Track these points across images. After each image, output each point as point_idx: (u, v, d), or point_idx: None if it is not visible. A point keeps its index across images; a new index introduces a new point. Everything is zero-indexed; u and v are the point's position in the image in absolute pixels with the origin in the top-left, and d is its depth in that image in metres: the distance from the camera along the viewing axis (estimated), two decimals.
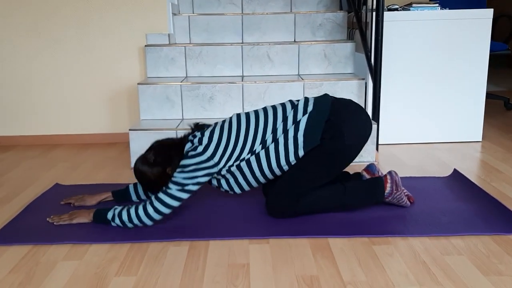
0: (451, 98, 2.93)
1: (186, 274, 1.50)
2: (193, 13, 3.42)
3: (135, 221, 1.77)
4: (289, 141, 1.76)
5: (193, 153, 1.77)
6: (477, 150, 2.79)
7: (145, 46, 2.95)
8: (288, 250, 1.64)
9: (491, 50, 3.50)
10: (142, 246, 1.68)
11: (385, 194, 1.86)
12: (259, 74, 3.02)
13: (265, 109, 1.85)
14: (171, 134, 2.55)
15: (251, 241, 1.71)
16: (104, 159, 2.76)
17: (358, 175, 2.06)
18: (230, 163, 1.78)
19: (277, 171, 1.82)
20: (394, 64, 2.88)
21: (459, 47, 2.87)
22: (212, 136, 1.79)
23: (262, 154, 1.78)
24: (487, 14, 2.84)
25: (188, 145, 1.83)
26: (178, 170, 1.76)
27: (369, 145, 2.59)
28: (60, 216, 1.87)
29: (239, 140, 1.78)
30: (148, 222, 1.77)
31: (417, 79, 2.90)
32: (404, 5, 3.01)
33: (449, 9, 2.90)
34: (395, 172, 1.89)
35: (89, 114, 3.15)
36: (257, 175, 1.82)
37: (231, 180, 1.84)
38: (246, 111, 1.91)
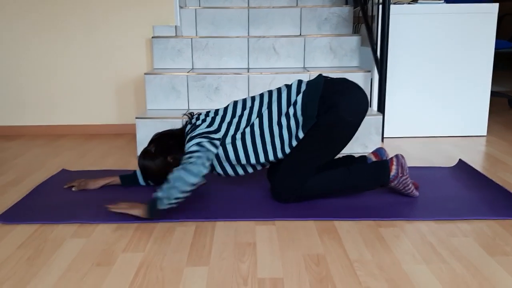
0: (456, 92, 2.94)
1: (193, 251, 1.50)
2: (199, 6, 3.44)
3: (179, 184, 1.66)
4: (291, 122, 1.79)
5: (194, 127, 1.85)
6: (482, 144, 2.79)
7: (152, 37, 2.97)
8: (294, 231, 1.64)
9: (496, 48, 3.51)
10: (149, 226, 1.69)
11: (391, 176, 1.84)
12: (265, 67, 3.03)
13: (260, 93, 1.93)
14: (177, 123, 2.57)
15: (258, 222, 1.72)
16: (110, 148, 2.78)
17: (363, 158, 2.06)
18: (231, 132, 1.82)
19: (280, 154, 1.83)
20: (400, 58, 2.89)
21: (464, 41, 2.88)
22: (209, 114, 1.90)
23: (265, 125, 1.81)
24: (493, 9, 2.85)
25: (188, 127, 1.90)
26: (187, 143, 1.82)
27: (374, 136, 2.60)
28: (118, 204, 1.75)
29: (236, 114, 1.85)
30: (193, 180, 1.67)
31: (422, 73, 2.91)
32: (411, 0, 3.03)
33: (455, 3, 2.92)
34: (401, 155, 1.87)
35: (96, 105, 3.16)
36: (259, 151, 1.82)
37: (232, 156, 1.83)
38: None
